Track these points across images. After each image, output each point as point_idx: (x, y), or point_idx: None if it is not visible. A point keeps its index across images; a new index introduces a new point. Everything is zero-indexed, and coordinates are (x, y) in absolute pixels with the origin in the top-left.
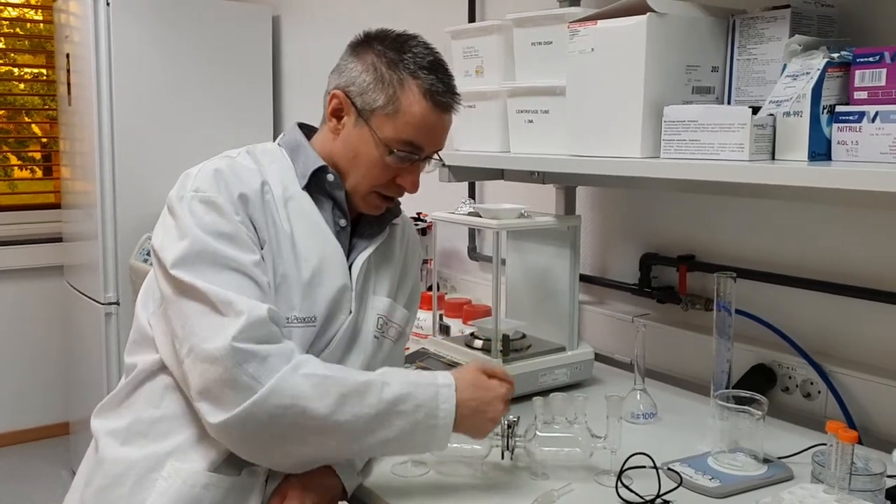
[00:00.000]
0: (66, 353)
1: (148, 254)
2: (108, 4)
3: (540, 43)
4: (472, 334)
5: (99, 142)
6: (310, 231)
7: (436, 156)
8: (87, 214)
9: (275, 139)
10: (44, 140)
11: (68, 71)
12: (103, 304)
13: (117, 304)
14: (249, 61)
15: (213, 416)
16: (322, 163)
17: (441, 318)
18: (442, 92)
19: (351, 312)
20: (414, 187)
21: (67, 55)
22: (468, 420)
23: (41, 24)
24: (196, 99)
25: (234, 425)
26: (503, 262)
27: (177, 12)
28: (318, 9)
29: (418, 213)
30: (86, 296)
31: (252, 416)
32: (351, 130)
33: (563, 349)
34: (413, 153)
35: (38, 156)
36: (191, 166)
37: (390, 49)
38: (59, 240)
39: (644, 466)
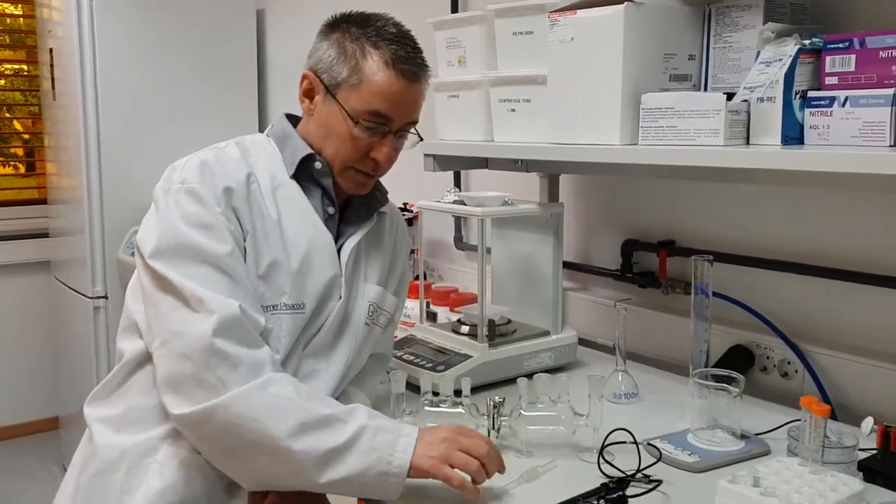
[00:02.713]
0: (55, 347)
1: None
2: None
3: (521, 33)
4: (458, 320)
5: (84, 136)
6: (298, 219)
7: (413, 131)
8: (74, 209)
9: (261, 131)
10: (25, 136)
11: (52, 66)
12: (91, 297)
13: (105, 297)
14: (234, 54)
15: (176, 407)
16: (309, 151)
17: (428, 306)
18: (405, 60)
19: (341, 298)
20: (387, 160)
21: (51, 50)
22: (426, 470)
23: (21, 19)
24: (181, 92)
25: (194, 421)
26: (488, 250)
27: (161, 6)
28: (302, 2)
29: (405, 204)
30: (74, 290)
31: (212, 417)
32: (321, 108)
33: (547, 333)
34: (382, 124)
35: (20, 152)
36: (177, 159)
37: (354, 25)
38: (44, 235)
39: (625, 442)
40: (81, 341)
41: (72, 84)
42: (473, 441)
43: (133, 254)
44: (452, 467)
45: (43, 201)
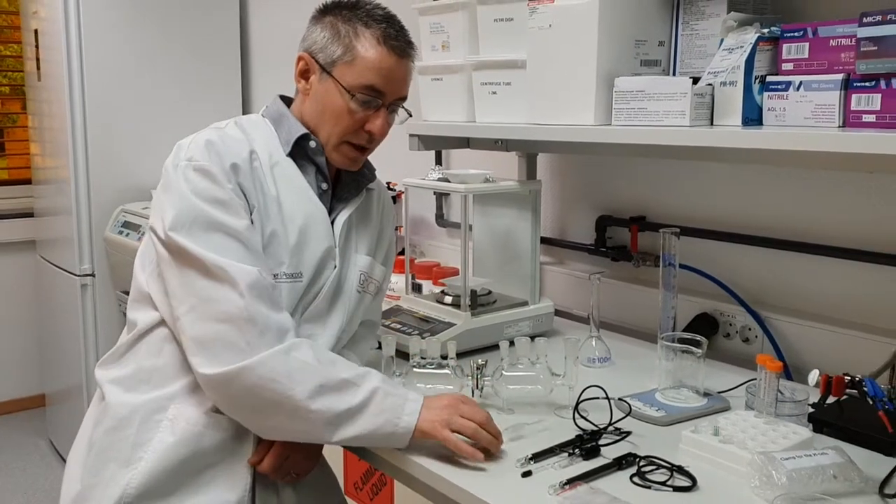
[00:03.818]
0: (41, 325)
1: (123, 225)
2: None
3: (502, 19)
4: (442, 291)
5: (71, 118)
6: (295, 194)
7: (402, 108)
8: (60, 189)
9: (244, 112)
10: None
11: (37, 47)
12: (79, 275)
13: (93, 275)
14: (218, 34)
15: (205, 367)
16: (304, 130)
17: (413, 279)
18: (394, 37)
19: (336, 267)
20: (381, 132)
21: (35, 31)
22: (429, 432)
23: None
24: (166, 73)
25: (220, 381)
26: (470, 226)
27: None
28: None
29: (388, 183)
30: (61, 268)
31: (237, 378)
32: (317, 86)
33: (525, 303)
34: (375, 97)
35: None
36: (163, 140)
37: (345, 8)
38: (26, 215)
39: (598, 398)
40: (69, 318)
41: (57, 65)
42: (473, 409)
43: (121, 232)
44: (453, 431)
45: (13, 182)
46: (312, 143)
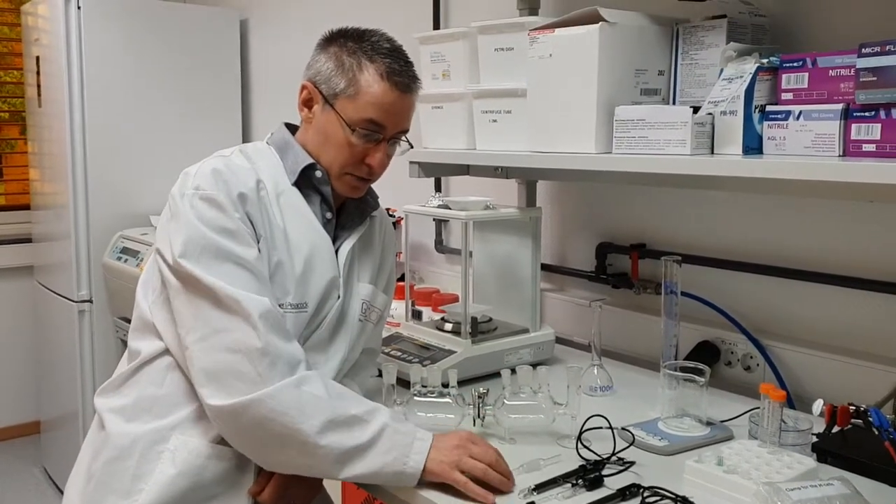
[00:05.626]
0: (37, 351)
1: (122, 251)
2: (78, 8)
3: (502, 49)
4: (442, 318)
5: (71, 144)
6: (301, 224)
7: (404, 139)
8: (58, 215)
9: (244, 140)
10: None
11: (38, 73)
12: (76, 301)
13: (90, 301)
14: (218, 64)
15: (215, 398)
16: (310, 160)
17: (413, 305)
18: (398, 72)
19: (339, 298)
20: (381, 165)
21: (37, 58)
22: (438, 474)
23: (5, 28)
24: (166, 101)
25: (229, 413)
26: (470, 252)
27: (147, 16)
28: (283, 13)
29: (387, 209)
30: (58, 294)
31: (247, 410)
32: (320, 116)
33: (526, 331)
34: (376, 131)
35: None
36: (163, 166)
37: (351, 39)
38: (23, 241)
39: (601, 428)
40: (65, 345)
41: (58, 92)
42: (483, 449)
43: (119, 258)
44: (463, 472)
45: (10, 208)
46: (318, 173)
